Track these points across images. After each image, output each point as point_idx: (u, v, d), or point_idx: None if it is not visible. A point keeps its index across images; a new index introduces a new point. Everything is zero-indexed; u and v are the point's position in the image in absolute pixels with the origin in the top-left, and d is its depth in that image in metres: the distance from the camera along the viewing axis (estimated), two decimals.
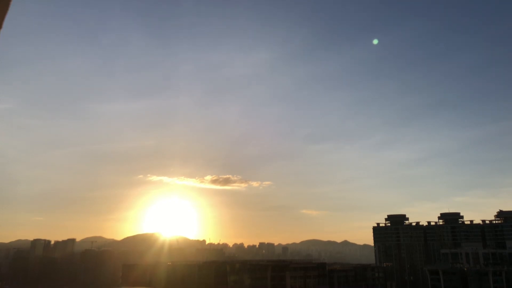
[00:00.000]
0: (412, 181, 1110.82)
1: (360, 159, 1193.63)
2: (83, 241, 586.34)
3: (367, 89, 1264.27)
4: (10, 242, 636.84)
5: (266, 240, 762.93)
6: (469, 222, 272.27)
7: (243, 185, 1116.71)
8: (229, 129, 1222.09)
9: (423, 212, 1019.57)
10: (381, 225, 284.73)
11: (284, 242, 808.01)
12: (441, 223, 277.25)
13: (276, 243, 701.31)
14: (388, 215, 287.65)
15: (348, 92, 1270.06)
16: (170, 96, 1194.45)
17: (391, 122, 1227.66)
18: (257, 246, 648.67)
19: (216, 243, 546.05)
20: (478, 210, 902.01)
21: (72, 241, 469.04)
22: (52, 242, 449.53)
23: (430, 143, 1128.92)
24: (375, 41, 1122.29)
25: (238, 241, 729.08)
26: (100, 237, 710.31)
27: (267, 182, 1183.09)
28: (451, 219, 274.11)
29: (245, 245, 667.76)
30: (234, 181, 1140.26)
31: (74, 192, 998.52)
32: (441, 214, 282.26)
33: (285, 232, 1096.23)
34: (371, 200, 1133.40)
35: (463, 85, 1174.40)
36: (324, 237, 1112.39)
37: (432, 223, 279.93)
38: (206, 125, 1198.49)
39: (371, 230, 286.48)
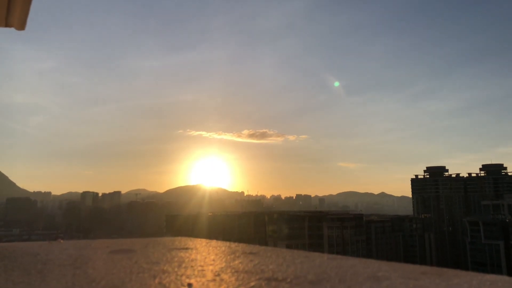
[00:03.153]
0: (453, 132, 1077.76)
1: (399, 110, 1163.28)
2: (128, 193, 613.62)
3: (409, 36, 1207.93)
4: (62, 194, 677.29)
5: (303, 192, 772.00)
6: None
7: (279, 139, 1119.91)
8: (265, 82, 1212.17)
9: (464, 164, 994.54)
10: (419, 176, 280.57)
11: (320, 194, 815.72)
12: (482, 174, 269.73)
13: (312, 195, 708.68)
14: (427, 167, 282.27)
15: (388, 40, 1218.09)
16: (204, 50, 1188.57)
17: (433, 70, 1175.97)
18: (294, 197, 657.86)
19: (254, 194, 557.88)
20: None
21: (118, 193, 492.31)
22: (100, 194, 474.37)
23: (474, 92, 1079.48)
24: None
25: (276, 193, 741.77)
26: (144, 190, 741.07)
27: (303, 136, 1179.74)
28: (493, 171, 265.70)
29: (282, 197, 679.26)
30: (271, 135, 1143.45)
31: (117, 147, 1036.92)
32: (482, 165, 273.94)
33: (322, 184, 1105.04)
34: (409, 152, 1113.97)
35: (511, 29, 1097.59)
36: (361, 189, 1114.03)
37: (473, 175, 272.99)
38: (241, 79, 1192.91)
39: (409, 182, 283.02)
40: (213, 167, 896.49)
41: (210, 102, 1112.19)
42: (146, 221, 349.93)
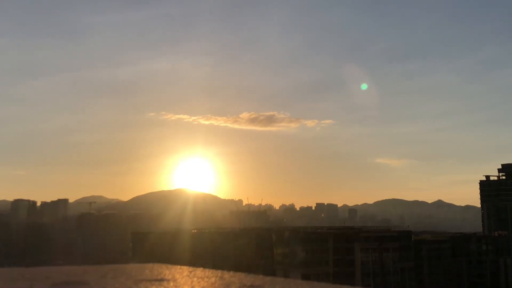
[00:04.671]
0: None
1: (462, 84, 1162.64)
2: (79, 202, 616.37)
3: None
4: None
5: (326, 200, 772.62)
6: None
7: (293, 125, 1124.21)
8: (271, 45, 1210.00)
9: None
10: (492, 178, 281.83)
11: (351, 202, 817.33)
12: None
13: (339, 204, 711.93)
14: (502, 165, 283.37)
15: None
16: None
17: (509, 28, 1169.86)
18: (313, 207, 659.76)
19: (257, 204, 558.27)
20: None
21: (64, 202, 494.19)
22: (38, 204, 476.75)
23: None
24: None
25: (287, 202, 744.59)
26: (101, 197, 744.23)
27: (327, 121, 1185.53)
28: None
29: (297, 207, 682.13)
30: (281, 120, 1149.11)
31: (63, 136, 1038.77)
32: None
33: (353, 189, 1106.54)
34: (477, 143, 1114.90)
35: None
36: (408, 195, 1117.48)
37: None
38: (238, 40, 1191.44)
39: (477, 186, 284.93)
40: (199, 166, 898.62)
41: (194, 73, 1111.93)
42: (103, 241, 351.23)
